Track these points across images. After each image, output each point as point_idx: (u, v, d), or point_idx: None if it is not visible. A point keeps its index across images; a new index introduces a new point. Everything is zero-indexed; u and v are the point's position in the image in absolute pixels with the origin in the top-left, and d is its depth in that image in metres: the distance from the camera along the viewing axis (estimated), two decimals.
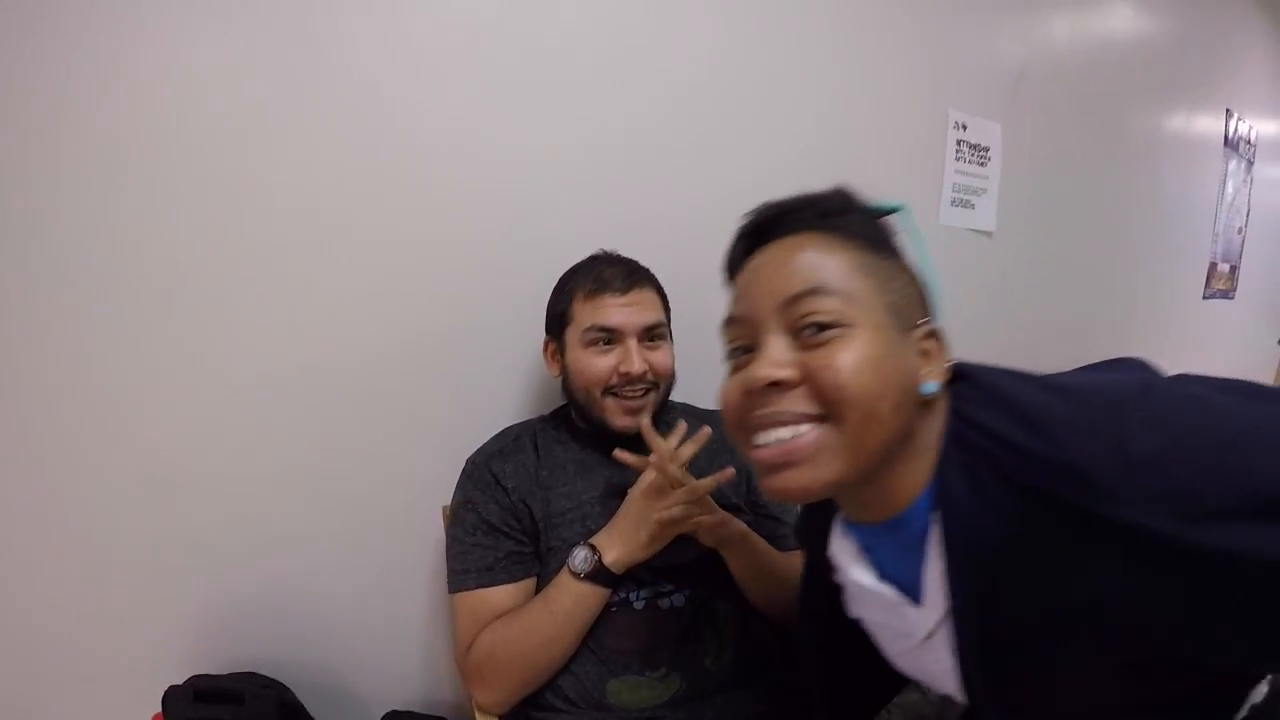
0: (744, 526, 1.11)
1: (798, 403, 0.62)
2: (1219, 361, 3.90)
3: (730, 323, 0.73)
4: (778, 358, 0.63)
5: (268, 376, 1.29)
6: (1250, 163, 3.56)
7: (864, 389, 0.59)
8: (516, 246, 1.41)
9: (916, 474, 0.65)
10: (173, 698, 1.27)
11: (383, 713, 1.51)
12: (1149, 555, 0.52)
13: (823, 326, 0.62)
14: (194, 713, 1.26)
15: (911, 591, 0.67)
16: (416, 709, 1.56)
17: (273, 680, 1.41)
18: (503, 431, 1.24)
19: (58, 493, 1.25)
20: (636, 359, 1.10)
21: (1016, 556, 0.58)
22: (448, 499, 1.33)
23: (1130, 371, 0.75)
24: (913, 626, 0.68)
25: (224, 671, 1.39)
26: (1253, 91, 3.49)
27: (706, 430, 1.06)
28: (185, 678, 1.33)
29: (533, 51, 1.38)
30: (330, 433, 1.36)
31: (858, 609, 0.77)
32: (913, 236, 0.78)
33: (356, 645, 1.54)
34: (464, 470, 1.19)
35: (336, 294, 1.30)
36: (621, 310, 1.11)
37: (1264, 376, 5.28)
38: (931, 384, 0.65)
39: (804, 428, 0.61)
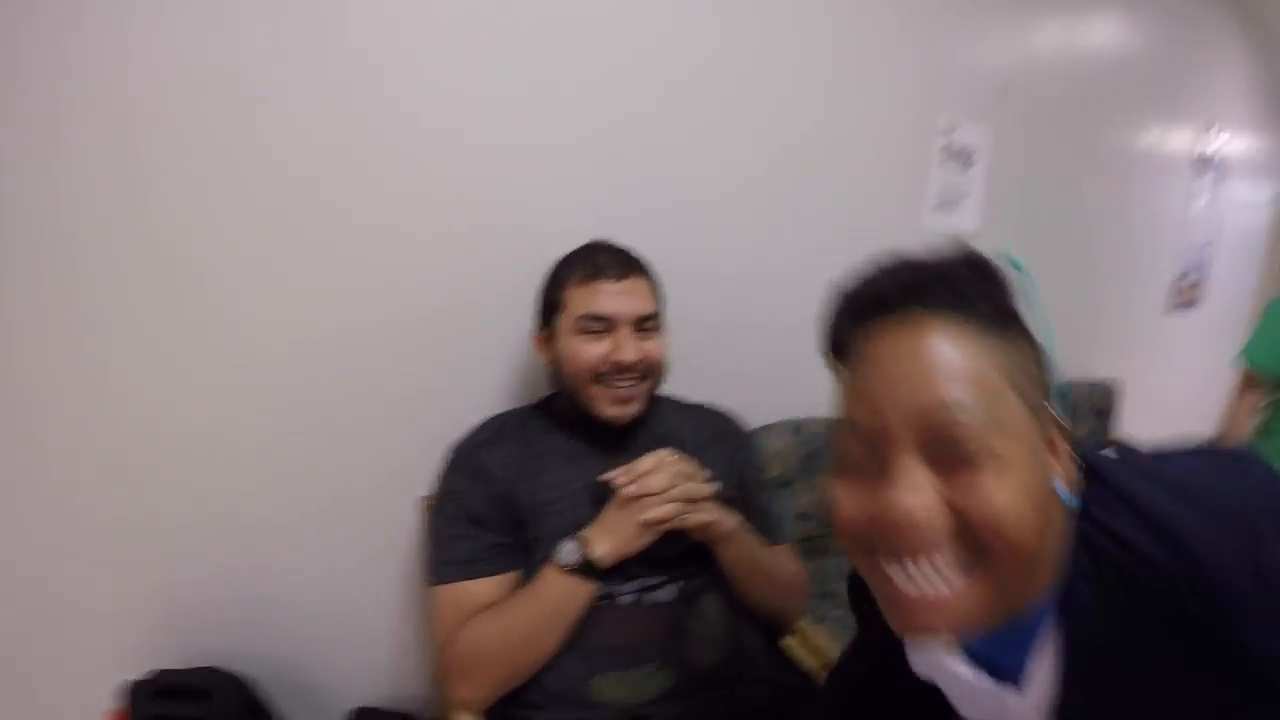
0: (735, 522, 1.10)
1: (942, 542, 0.52)
2: (1181, 373, 4.00)
3: (849, 429, 0.59)
4: (922, 496, 0.52)
5: (235, 360, 1.25)
6: (1220, 178, 3.64)
7: (1024, 529, 0.50)
8: (503, 234, 1.38)
9: (1039, 576, 0.57)
10: (136, 694, 1.24)
11: (350, 709, 1.49)
12: (1268, 680, 0.50)
13: (968, 449, 0.51)
14: (159, 709, 1.23)
15: (1008, 674, 0.62)
16: (384, 705, 1.54)
17: (237, 676, 1.38)
18: (487, 421, 1.21)
19: (10, 481, 1.20)
20: (629, 348, 1.07)
21: (1136, 662, 0.55)
22: (424, 488, 1.30)
23: (1247, 468, 0.69)
24: (1007, 713, 0.64)
25: (185, 665, 1.35)
26: (1227, 109, 3.56)
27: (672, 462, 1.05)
28: (144, 671, 1.29)
29: (530, 42, 1.35)
30: (300, 419, 1.32)
31: (936, 679, 0.72)
32: (1031, 294, 0.64)
33: (324, 639, 1.51)
34: (449, 460, 1.15)
35: (312, 277, 1.26)
36: (616, 298, 1.09)
37: (1224, 387, 5.42)
38: (1066, 491, 0.57)
39: (954, 577, 0.52)
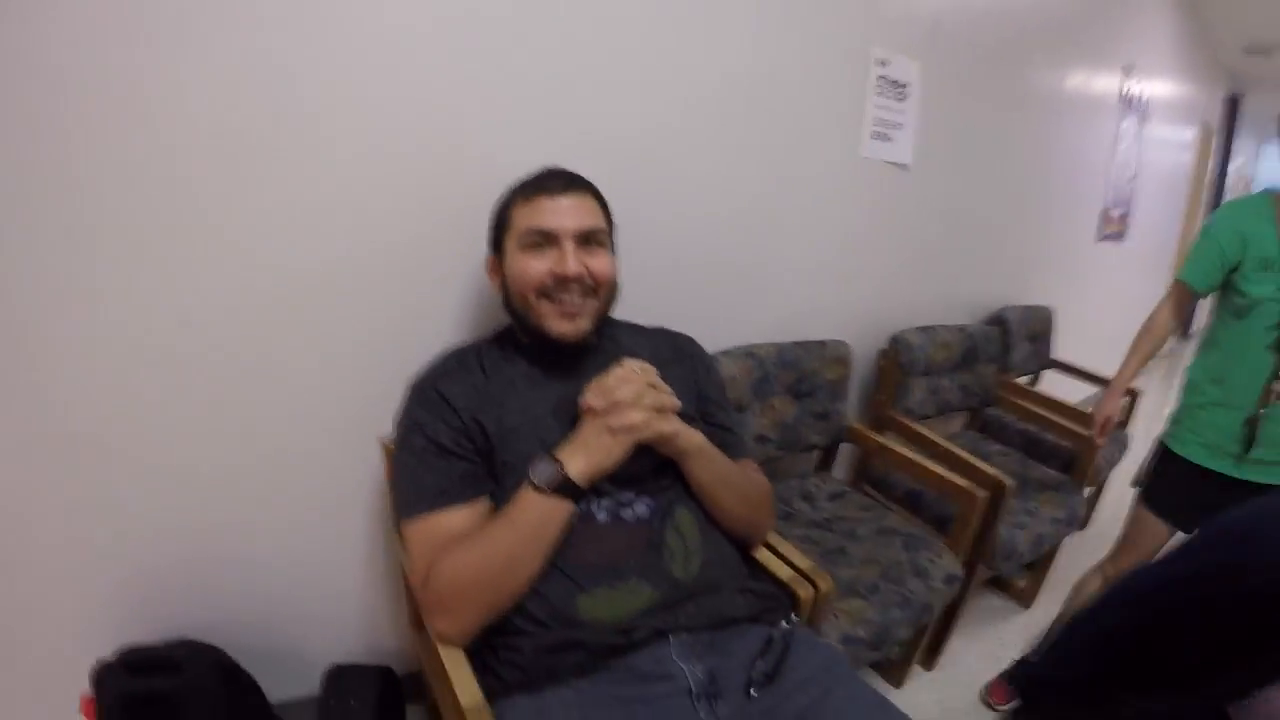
0: (700, 438, 1.11)
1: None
2: (1110, 300, 4.18)
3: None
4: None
5: (177, 315, 1.20)
6: (1144, 119, 3.81)
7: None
8: (450, 170, 1.35)
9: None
10: (104, 674, 1.20)
11: (325, 668, 1.48)
12: None
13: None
14: (129, 686, 1.19)
15: None
16: (361, 660, 1.53)
17: (208, 645, 1.35)
18: (445, 354, 1.18)
19: None
20: (571, 260, 1.06)
21: None
22: (383, 429, 1.27)
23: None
24: None
25: (153, 639, 1.32)
26: (1150, 53, 3.72)
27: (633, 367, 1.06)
28: (112, 650, 1.25)
29: None
30: (250, 371, 1.29)
31: None
32: None
33: (294, 599, 1.49)
34: (409, 393, 1.13)
35: (254, 223, 1.21)
36: (557, 212, 1.08)
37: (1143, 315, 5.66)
38: None
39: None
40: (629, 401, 1.01)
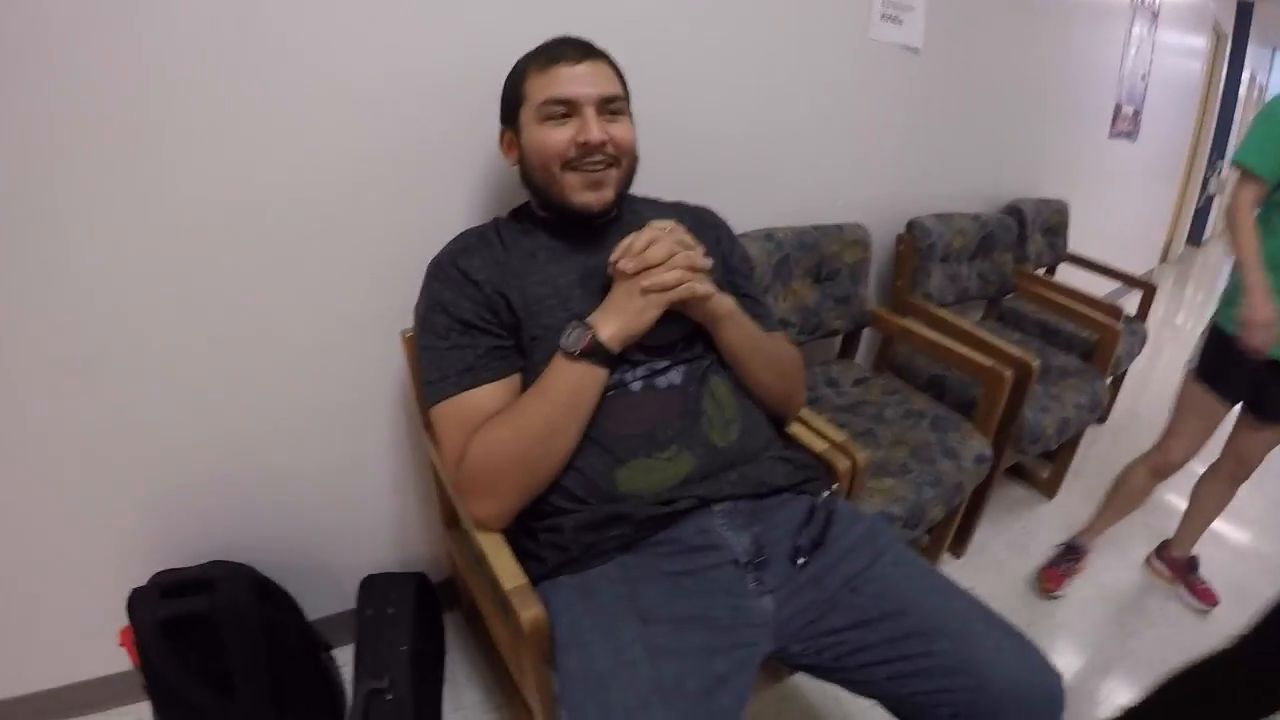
0: (731, 303, 1.08)
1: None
2: (1122, 197, 4.12)
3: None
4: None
5: (189, 225, 1.16)
6: (1154, 22, 3.72)
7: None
8: (457, 48, 1.29)
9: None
10: (138, 600, 1.19)
11: (358, 580, 1.47)
12: None
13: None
14: (165, 610, 1.18)
15: None
16: (393, 569, 1.53)
17: (241, 564, 1.34)
18: (463, 232, 1.14)
19: None
20: (594, 128, 1.01)
21: None
22: (405, 326, 1.24)
23: None
24: None
25: (186, 562, 1.31)
26: None
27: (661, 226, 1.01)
28: (148, 577, 1.25)
29: None
30: (267, 270, 1.25)
31: None
32: None
33: (324, 513, 1.48)
34: (427, 273, 1.08)
35: (260, 117, 1.16)
36: (577, 80, 1.02)
37: (1161, 221, 5.61)
38: None
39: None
40: (660, 260, 0.97)
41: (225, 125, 1.14)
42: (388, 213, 1.32)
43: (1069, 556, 1.92)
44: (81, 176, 1.06)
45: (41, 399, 1.16)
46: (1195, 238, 7.22)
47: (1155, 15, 3.73)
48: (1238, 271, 1.57)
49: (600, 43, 1.12)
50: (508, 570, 0.95)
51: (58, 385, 1.16)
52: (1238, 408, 1.70)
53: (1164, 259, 6.15)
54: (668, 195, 1.33)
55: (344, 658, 1.48)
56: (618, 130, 1.05)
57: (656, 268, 0.97)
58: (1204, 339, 1.69)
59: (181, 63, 1.08)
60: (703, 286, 1.00)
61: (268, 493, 1.40)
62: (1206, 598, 1.89)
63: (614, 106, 1.06)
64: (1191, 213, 6.77)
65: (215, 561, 1.33)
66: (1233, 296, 1.59)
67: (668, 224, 1.02)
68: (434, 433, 1.04)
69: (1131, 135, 3.93)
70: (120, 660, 1.21)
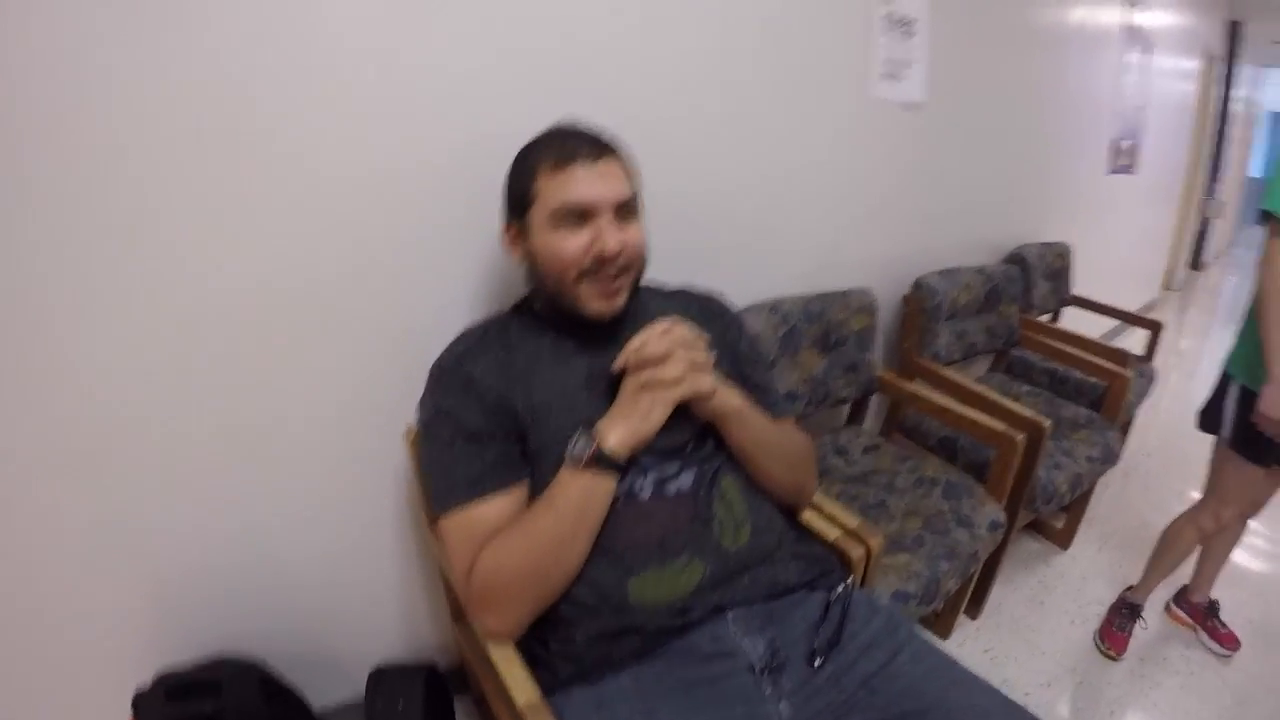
0: (739, 399, 1.06)
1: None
2: (1123, 232, 4.14)
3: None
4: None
5: (188, 322, 1.15)
6: (1148, 50, 3.76)
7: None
8: (454, 139, 1.29)
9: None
10: (144, 703, 1.18)
11: (366, 670, 1.45)
12: None
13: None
14: (171, 712, 1.17)
15: None
16: (401, 658, 1.51)
17: (246, 661, 1.33)
18: (465, 331, 1.12)
19: None
20: (612, 238, 0.99)
21: None
22: (408, 417, 1.22)
23: None
24: None
25: (192, 657, 1.30)
26: None
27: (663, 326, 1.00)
28: (150, 674, 1.23)
29: None
30: (266, 374, 1.24)
31: None
32: None
33: (330, 603, 1.46)
34: (431, 377, 1.07)
35: (249, 208, 1.15)
36: (593, 184, 1.00)
37: (1162, 249, 5.62)
38: None
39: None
40: (659, 356, 0.96)
41: (222, 215, 1.13)
42: (388, 303, 1.31)
43: (1129, 616, 1.88)
44: (77, 270, 1.06)
45: (41, 494, 1.14)
46: (1196, 262, 7.23)
47: (1147, 42, 3.77)
48: (1256, 323, 1.49)
49: (597, 119, 1.11)
50: (520, 684, 0.93)
51: (57, 481, 1.14)
52: None
53: (1166, 286, 6.14)
54: (669, 268, 1.32)
55: None
56: (632, 236, 1.03)
57: (660, 365, 0.96)
58: (1232, 403, 1.61)
59: (175, 150, 1.07)
60: (706, 382, 0.99)
61: (273, 583, 1.37)
62: (1228, 642, 1.85)
63: (628, 208, 1.04)
64: (1191, 237, 6.79)
65: (222, 659, 1.32)
66: (1251, 355, 1.52)
67: (669, 321, 1.00)
68: (441, 541, 1.02)
69: (1130, 168, 3.95)
70: None
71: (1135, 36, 3.58)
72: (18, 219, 1.01)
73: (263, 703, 1.24)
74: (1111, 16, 3.33)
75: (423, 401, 1.06)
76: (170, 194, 1.09)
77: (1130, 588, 1.93)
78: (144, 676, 1.22)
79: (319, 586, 1.42)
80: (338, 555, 1.42)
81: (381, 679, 1.43)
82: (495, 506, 0.96)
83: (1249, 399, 1.53)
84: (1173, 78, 4.47)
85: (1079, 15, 2.98)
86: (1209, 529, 1.75)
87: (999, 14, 2.41)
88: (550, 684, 0.96)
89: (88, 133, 1.02)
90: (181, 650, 1.29)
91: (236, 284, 1.17)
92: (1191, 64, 4.97)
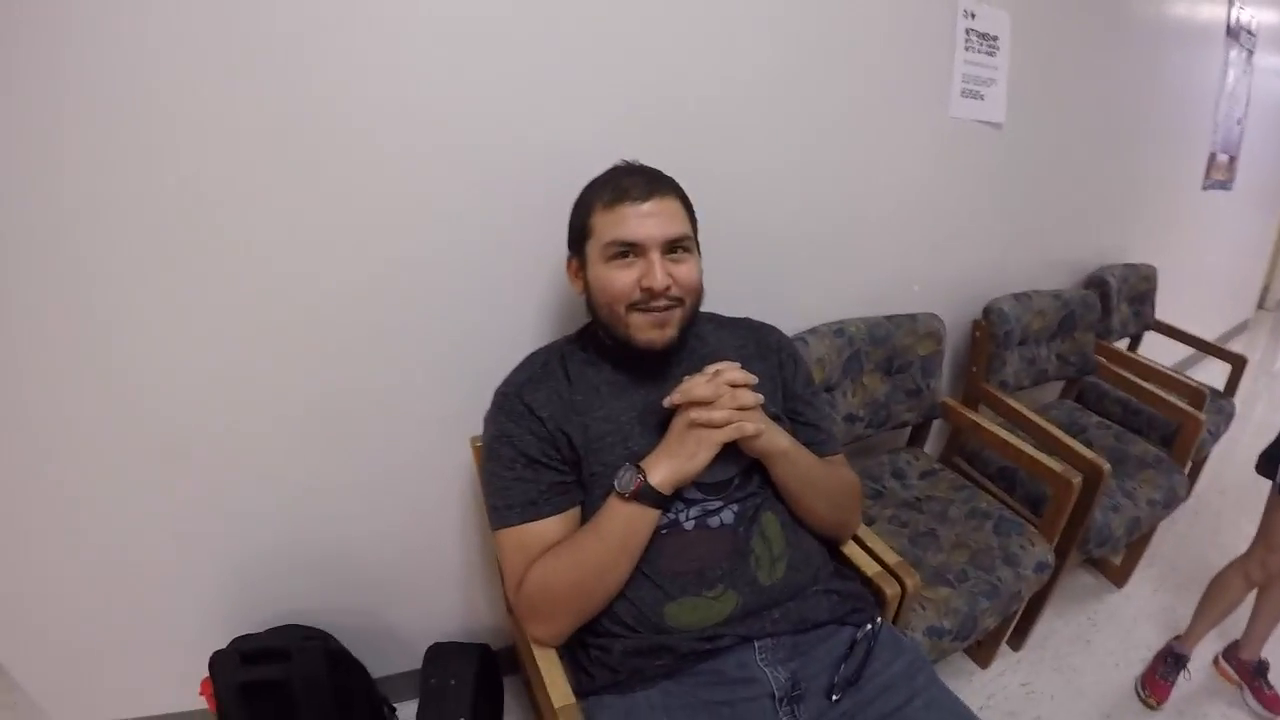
0: (787, 439, 1.10)
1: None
2: (1216, 253, 3.92)
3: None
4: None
5: (272, 323, 1.25)
6: (1250, 52, 3.46)
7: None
8: (529, 160, 1.33)
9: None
10: (219, 663, 1.30)
11: (424, 645, 1.56)
12: None
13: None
14: (244, 675, 1.29)
15: None
16: (457, 639, 1.61)
17: (314, 630, 1.44)
18: (529, 358, 1.19)
19: (69, 479, 1.25)
20: (659, 273, 1.03)
21: None
22: (475, 428, 1.29)
23: None
24: None
25: (263, 628, 1.43)
26: None
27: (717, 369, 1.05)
28: (227, 640, 1.37)
29: None
30: (346, 373, 1.33)
31: None
32: None
33: (395, 584, 1.56)
34: (494, 402, 1.13)
35: (337, 225, 1.24)
36: (643, 222, 1.04)
37: (1258, 268, 5.32)
38: None
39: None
40: (706, 398, 1.00)
41: (310, 231, 1.22)
42: (467, 319, 1.39)
43: (1174, 666, 1.84)
44: (175, 277, 1.17)
45: (146, 475, 1.27)
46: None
47: (1253, 42, 3.48)
48: None
49: (667, 139, 1.17)
50: (559, 689, 1.01)
51: (156, 463, 1.27)
52: None
53: (1261, 304, 5.82)
54: (737, 289, 1.36)
55: (406, 712, 1.58)
56: (682, 271, 1.07)
57: (708, 409, 1.00)
58: None
59: (258, 172, 1.16)
60: (752, 425, 1.02)
61: (344, 563, 1.49)
62: (1273, 705, 1.80)
63: (680, 245, 1.08)
64: None
65: (290, 626, 1.44)
66: None
67: (717, 367, 1.04)
68: (498, 549, 1.09)
69: (1226, 184, 3.71)
70: (191, 699, 1.33)
71: (1240, 36, 3.31)
72: (119, 244, 1.13)
73: (328, 671, 1.35)
74: (1215, 12, 3.09)
75: (487, 422, 1.13)
76: (261, 216, 1.19)
77: (1178, 636, 1.89)
78: (220, 641, 1.35)
79: (386, 568, 1.53)
80: (405, 541, 1.52)
81: (438, 654, 1.54)
82: (548, 527, 1.03)
83: None
84: (1278, 77, 4.14)
85: (1177, 14, 2.80)
86: (1257, 578, 1.72)
87: (1087, 21, 2.29)
88: (586, 687, 1.04)
89: (189, 156, 1.11)
90: (256, 619, 1.42)
91: (318, 297, 1.27)
92: None
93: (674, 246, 1.07)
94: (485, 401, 1.16)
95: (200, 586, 1.40)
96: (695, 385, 1.01)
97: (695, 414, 1.00)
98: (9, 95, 1.01)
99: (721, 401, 1.00)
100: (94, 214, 1.10)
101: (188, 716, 1.49)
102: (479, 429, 1.27)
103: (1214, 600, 1.81)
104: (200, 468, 1.30)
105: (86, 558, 1.31)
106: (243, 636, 1.39)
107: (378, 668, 1.54)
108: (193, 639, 1.36)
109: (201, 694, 1.30)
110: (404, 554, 1.53)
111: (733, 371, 1.04)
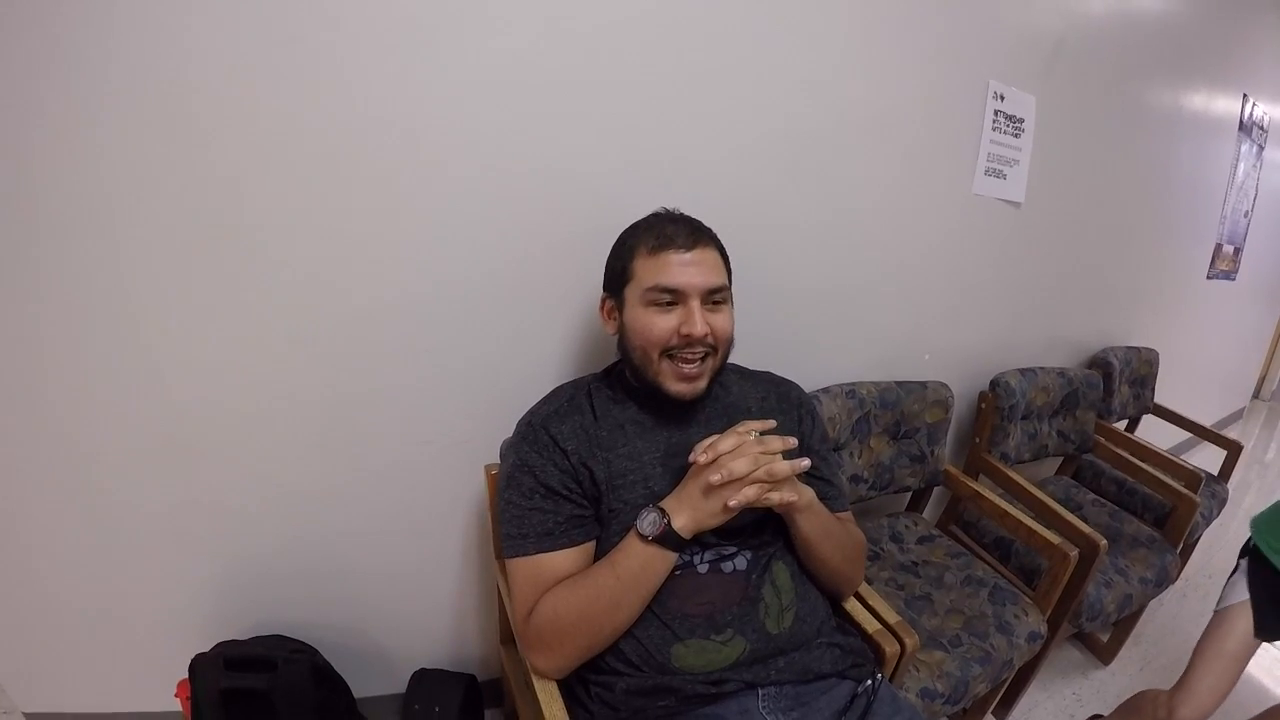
0: (809, 496, 1.10)
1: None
2: (1217, 342, 3.98)
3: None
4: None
5: (291, 332, 1.27)
6: (1261, 147, 3.57)
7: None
8: (562, 200, 1.36)
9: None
10: (202, 666, 1.28)
11: (410, 672, 1.54)
12: None
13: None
14: (226, 682, 1.27)
15: None
16: (443, 666, 1.59)
17: (301, 644, 1.43)
18: (555, 391, 1.20)
19: (74, 463, 1.25)
20: (699, 321, 1.05)
21: None
22: (489, 456, 1.31)
23: None
24: None
25: (249, 636, 1.41)
26: (1269, 77, 3.47)
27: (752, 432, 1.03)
28: (210, 644, 1.35)
29: (588, 13, 1.29)
30: (358, 389, 1.34)
31: None
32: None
33: (386, 605, 1.55)
34: (518, 432, 1.14)
35: (371, 241, 1.26)
36: (685, 270, 1.06)
37: (1256, 358, 5.39)
38: None
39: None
40: (742, 475, 0.98)
41: (334, 245, 1.24)
42: (480, 351, 1.40)
43: None
44: (190, 284, 1.19)
45: (143, 468, 1.28)
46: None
47: (1264, 139, 3.59)
48: None
49: (700, 197, 1.19)
50: None
51: (159, 460, 1.28)
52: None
53: (1257, 394, 5.88)
54: (757, 346, 1.37)
55: None
56: (719, 321, 1.09)
57: (738, 482, 0.98)
58: (1245, 569, 1.43)
59: (289, 200, 1.19)
60: (780, 496, 1.01)
61: (337, 578, 1.48)
62: None
63: (718, 295, 1.10)
64: None
65: (277, 637, 1.42)
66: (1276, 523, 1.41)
67: (756, 426, 1.04)
68: (506, 579, 1.09)
69: (1231, 275, 3.80)
70: (163, 701, 1.32)
71: (1250, 130, 3.43)
72: (140, 244, 1.15)
73: (312, 686, 1.33)
74: (1229, 108, 3.20)
75: (509, 450, 1.14)
76: (280, 236, 1.21)
77: (1095, 717, 1.82)
78: (202, 645, 1.33)
79: (380, 586, 1.52)
80: (403, 562, 1.51)
81: (424, 680, 1.53)
82: (562, 559, 1.04)
83: (1258, 563, 1.41)
84: None
85: (1195, 105, 2.89)
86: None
87: (1107, 109, 2.38)
88: None
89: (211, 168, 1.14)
90: (242, 626, 1.41)
91: (335, 313, 1.28)
92: None
93: (712, 296, 1.09)
94: (501, 430, 1.17)
95: (188, 586, 1.39)
96: (736, 464, 0.98)
97: (731, 502, 0.98)
98: (49, 103, 1.04)
99: (755, 475, 0.99)
100: (113, 213, 1.12)
101: (157, 718, 1.46)
102: (492, 457, 1.29)
103: (1126, 713, 1.61)
104: (201, 467, 1.30)
105: (73, 546, 1.31)
106: (227, 642, 1.37)
107: (361, 688, 1.52)
108: (173, 639, 1.36)
109: (177, 696, 1.29)
110: (400, 575, 1.52)
111: (775, 441, 1.03)
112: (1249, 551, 1.44)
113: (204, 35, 1.07)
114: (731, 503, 0.98)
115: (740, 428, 1.04)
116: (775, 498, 1.01)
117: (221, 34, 1.07)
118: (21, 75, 1.02)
